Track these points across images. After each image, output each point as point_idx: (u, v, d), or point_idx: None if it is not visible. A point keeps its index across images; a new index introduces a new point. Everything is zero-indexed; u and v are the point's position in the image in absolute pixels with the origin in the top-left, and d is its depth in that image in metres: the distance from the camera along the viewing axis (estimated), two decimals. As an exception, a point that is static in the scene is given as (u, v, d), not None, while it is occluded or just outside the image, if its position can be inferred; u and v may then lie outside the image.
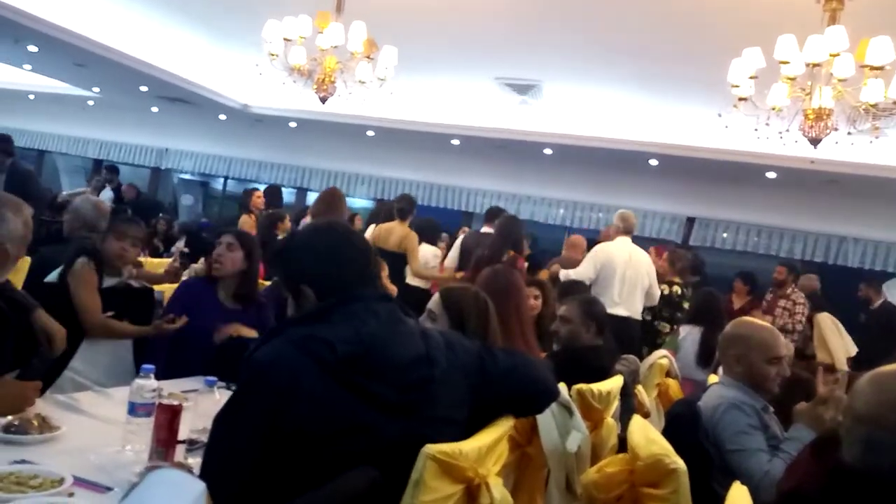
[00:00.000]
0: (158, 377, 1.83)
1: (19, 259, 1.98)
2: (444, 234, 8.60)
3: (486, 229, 5.74)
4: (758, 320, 2.56)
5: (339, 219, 4.91)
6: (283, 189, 11.22)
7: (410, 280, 5.51)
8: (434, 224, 6.42)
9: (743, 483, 2.02)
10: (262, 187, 7.15)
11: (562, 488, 2.11)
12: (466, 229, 7.53)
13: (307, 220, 5.33)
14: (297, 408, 1.33)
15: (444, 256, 5.87)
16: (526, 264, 5.11)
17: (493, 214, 5.88)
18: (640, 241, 5.54)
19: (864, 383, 1.25)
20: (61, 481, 1.45)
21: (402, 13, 5.48)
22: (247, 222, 6.13)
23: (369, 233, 5.69)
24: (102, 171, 10.05)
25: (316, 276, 1.55)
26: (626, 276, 4.92)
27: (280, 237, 5.59)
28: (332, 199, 5.15)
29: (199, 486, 0.80)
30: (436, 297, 2.14)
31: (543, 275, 5.23)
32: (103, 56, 7.36)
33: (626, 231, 5.17)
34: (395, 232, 5.46)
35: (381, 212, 6.17)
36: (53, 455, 1.63)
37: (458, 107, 8.14)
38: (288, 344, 1.40)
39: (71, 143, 12.44)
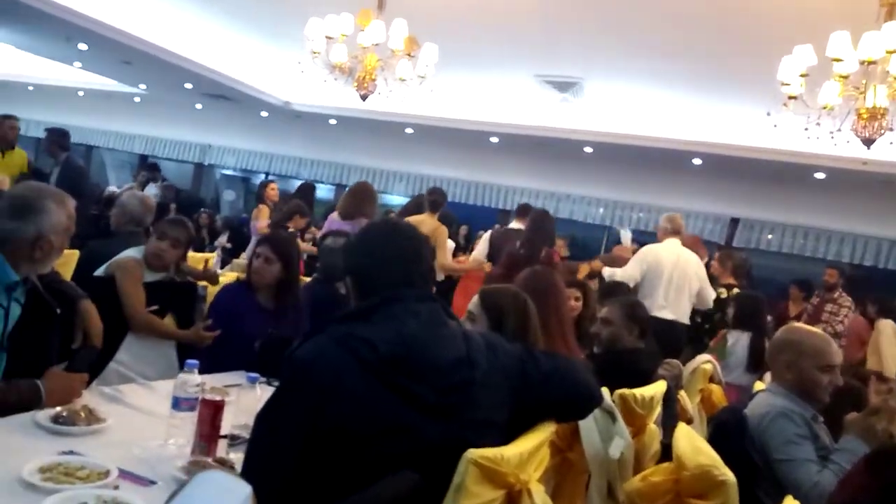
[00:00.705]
0: (199, 377, 1.85)
1: (63, 250, 2.01)
2: (464, 227, 8.72)
3: (515, 225, 5.70)
4: (810, 327, 2.48)
5: (368, 214, 4.93)
6: (322, 185, 11.39)
7: None
8: (451, 217, 6.40)
9: (791, 494, 1.96)
10: (298, 184, 7.25)
11: (603, 495, 2.07)
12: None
13: (334, 215, 5.30)
14: (339, 406, 1.33)
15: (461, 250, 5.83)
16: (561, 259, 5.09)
17: (523, 210, 5.86)
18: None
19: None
20: (107, 473, 1.47)
21: (443, 10, 5.47)
22: (263, 211, 6.22)
23: None
24: (143, 169, 10.27)
25: (356, 271, 1.59)
26: (672, 278, 4.81)
27: (291, 231, 5.65)
28: (363, 194, 5.14)
29: (246, 490, 0.79)
30: (475, 297, 2.12)
31: (583, 269, 5.16)
32: (150, 54, 7.52)
33: (674, 232, 5.05)
34: (424, 224, 5.35)
35: (410, 205, 6.16)
36: (99, 447, 1.65)
37: (498, 104, 8.10)
38: (330, 342, 1.40)
39: (118, 139, 12.74)
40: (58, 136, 5.71)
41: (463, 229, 8.87)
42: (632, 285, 4.76)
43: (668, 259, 4.86)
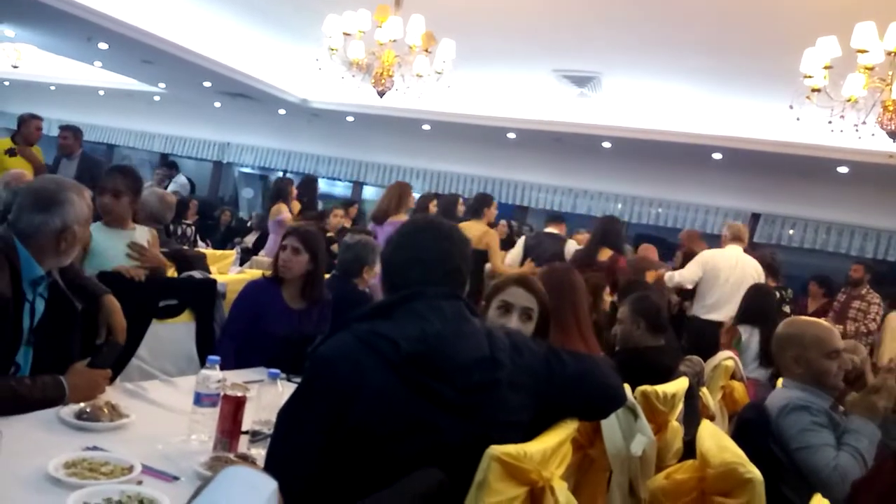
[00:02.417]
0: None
1: (84, 240, 2.05)
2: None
3: (550, 230, 5.80)
4: (808, 317, 2.49)
5: (419, 213, 4.97)
6: (340, 182, 11.42)
7: None
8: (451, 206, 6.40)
9: (812, 480, 1.95)
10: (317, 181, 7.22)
11: (625, 492, 2.06)
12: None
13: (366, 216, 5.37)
14: (361, 402, 1.33)
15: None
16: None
17: (555, 217, 6.03)
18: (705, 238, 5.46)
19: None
20: (131, 469, 1.48)
21: (460, 6, 5.45)
22: (283, 209, 6.15)
23: None
24: (162, 166, 10.36)
25: (385, 266, 1.59)
26: (728, 282, 5.01)
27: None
28: (402, 193, 5.28)
29: (272, 485, 0.79)
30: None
31: (650, 275, 5.20)
32: (169, 53, 7.59)
33: (734, 239, 5.30)
34: (472, 230, 5.33)
35: (420, 205, 6.11)
36: (122, 442, 1.67)
37: (515, 100, 8.07)
38: (352, 338, 1.39)
39: (138, 138, 12.87)
40: (77, 133, 5.79)
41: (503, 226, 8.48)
42: (689, 287, 5.11)
43: (725, 264, 5.10)
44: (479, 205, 5.70)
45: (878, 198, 7.86)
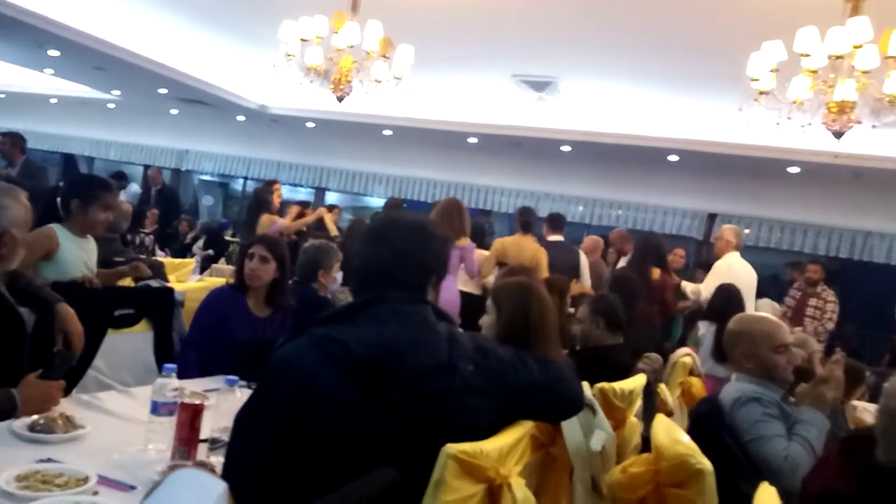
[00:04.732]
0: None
1: (25, 243, 2.02)
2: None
3: (553, 237, 5.71)
4: (757, 313, 2.58)
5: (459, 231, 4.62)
6: (302, 188, 11.33)
7: (463, 287, 5.05)
8: (482, 228, 6.34)
9: (764, 471, 2.01)
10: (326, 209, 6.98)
11: (587, 488, 2.09)
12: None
13: None
14: (315, 406, 1.33)
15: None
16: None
17: (555, 221, 5.84)
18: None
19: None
20: (86, 480, 1.46)
21: (418, 12, 5.48)
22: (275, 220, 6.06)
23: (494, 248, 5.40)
24: (111, 178, 10.17)
25: (351, 269, 1.60)
26: (749, 294, 5.03)
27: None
28: (449, 210, 4.72)
29: (221, 486, 0.80)
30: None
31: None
32: (122, 59, 7.45)
33: (738, 247, 5.36)
34: (527, 248, 5.22)
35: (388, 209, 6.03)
36: (78, 454, 1.64)
37: (475, 105, 8.12)
38: (308, 342, 1.40)
39: (93, 147, 12.59)
40: (15, 139, 5.66)
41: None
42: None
43: (738, 272, 5.15)
44: (530, 217, 5.45)
45: (827, 196, 8.12)
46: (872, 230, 8.05)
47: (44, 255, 2.87)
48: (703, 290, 5.22)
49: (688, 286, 5.43)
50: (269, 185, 6.22)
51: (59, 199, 3.07)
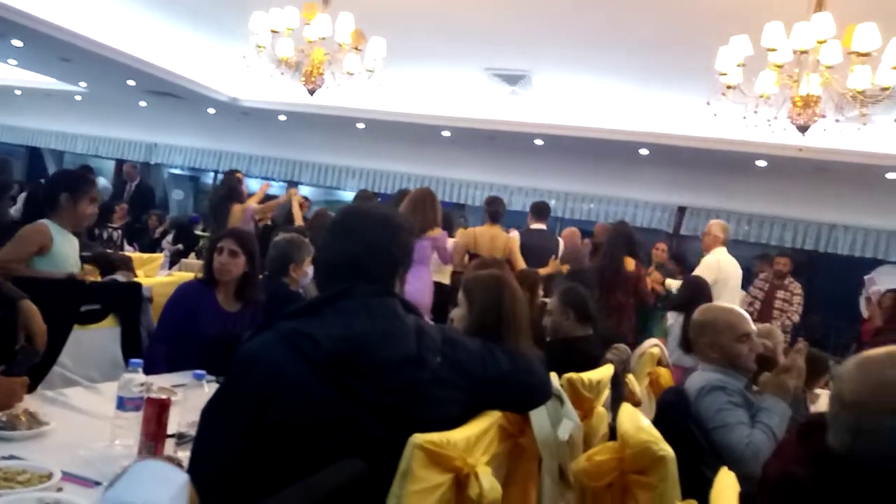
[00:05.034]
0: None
1: None
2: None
3: (536, 226, 5.77)
4: (721, 304, 2.63)
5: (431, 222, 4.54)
6: (274, 182, 11.23)
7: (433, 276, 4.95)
8: (451, 217, 6.35)
9: (727, 458, 2.06)
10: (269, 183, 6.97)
11: (555, 478, 2.11)
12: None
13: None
14: (283, 400, 1.33)
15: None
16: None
17: (540, 210, 5.89)
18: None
19: (851, 368, 1.25)
20: (49, 476, 1.45)
21: (390, 4, 5.45)
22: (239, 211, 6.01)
23: (460, 237, 5.42)
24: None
25: (316, 263, 1.59)
26: (727, 286, 5.12)
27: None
28: (422, 200, 4.62)
29: (183, 477, 0.80)
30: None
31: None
32: (89, 50, 7.30)
33: (725, 242, 5.38)
34: (498, 238, 5.22)
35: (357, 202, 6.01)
36: (42, 450, 1.62)
37: (449, 98, 8.12)
38: (275, 336, 1.39)
39: (60, 140, 12.34)
40: None
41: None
42: None
43: (727, 268, 5.21)
44: (502, 209, 5.44)
45: (794, 189, 8.27)
46: (836, 223, 8.23)
47: (37, 250, 2.84)
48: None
49: (672, 284, 5.47)
50: (234, 174, 6.22)
51: (43, 194, 3.04)
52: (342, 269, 1.51)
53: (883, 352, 1.21)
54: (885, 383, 1.15)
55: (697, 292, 4.60)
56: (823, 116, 3.98)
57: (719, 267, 5.21)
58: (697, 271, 5.27)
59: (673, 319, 4.58)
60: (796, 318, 6.32)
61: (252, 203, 5.93)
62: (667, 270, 6.36)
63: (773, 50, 3.79)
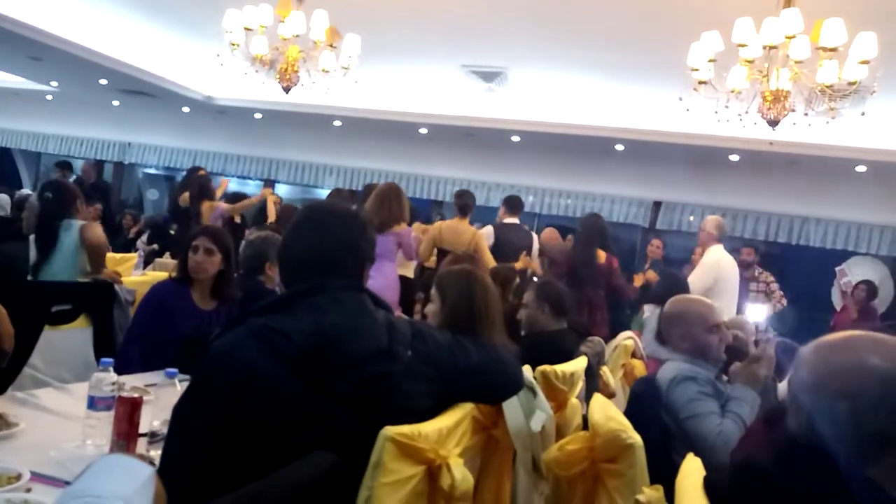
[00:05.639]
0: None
1: None
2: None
3: (509, 220, 5.70)
4: (691, 296, 2.67)
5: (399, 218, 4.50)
6: (251, 181, 11.16)
7: (400, 270, 4.98)
8: (415, 211, 6.35)
9: (699, 447, 2.10)
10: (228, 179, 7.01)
11: (528, 469, 2.14)
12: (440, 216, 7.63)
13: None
14: (255, 396, 1.33)
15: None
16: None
17: (512, 203, 5.79)
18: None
19: (808, 353, 1.28)
20: (18, 477, 1.44)
21: (364, 1, 5.44)
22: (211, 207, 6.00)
23: (424, 231, 5.39)
24: (56, 168, 9.84)
25: (280, 261, 1.58)
26: (728, 285, 5.01)
27: None
28: (388, 194, 4.58)
29: (148, 470, 0.80)
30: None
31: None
32: (59, 49, 7.18)
33: (720, 239, 5.18)
34: (464, 232, 5.14)
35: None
36: (12, 451, 1.61)
37: (425, 95, 8.12)
38: (246, 332, 1.40)
39: (30, 140, 12.13)
40: None
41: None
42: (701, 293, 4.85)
43: (726, 267, 5.05)
44: (471, 202, 5.36)
45: (766, 183, 8.39)
46: (808, 215, 8.36)
47: None
48: (691, 284, 4.92)
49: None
50: (198, 171, 6.24)
51: None
52: (312, 264, 1.51)
53: (839, 337, 1.25)
54: (841, 368, 1.18)
55: (675, 285, 4.66)
56: (793, 111, 4.04)
57: (720, 266, 5.02)
58: (696, 272, 5.09)
59: (650, 312, 4.62)
60: (784, 301, 6.43)
61: (224, 205, 5.90)
62: (662, 267, 6.42)
63: (744, 45, 3.84)
